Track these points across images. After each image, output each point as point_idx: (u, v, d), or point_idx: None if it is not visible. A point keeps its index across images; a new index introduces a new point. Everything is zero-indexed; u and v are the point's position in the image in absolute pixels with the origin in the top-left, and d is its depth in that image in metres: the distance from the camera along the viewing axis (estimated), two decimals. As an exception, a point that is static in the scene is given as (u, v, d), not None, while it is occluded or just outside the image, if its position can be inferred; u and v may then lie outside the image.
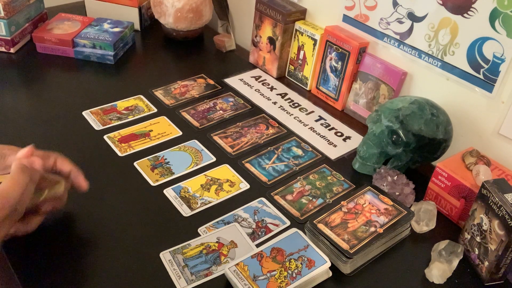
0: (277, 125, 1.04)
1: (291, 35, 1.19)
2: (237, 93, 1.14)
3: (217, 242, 0.73)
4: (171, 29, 1.31)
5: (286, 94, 1.16)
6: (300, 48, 1.18)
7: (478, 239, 0.72)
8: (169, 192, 0.82)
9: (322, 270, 0.67)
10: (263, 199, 0.83)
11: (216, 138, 0.97)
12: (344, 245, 0.70)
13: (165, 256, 0.70)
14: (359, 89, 1.07)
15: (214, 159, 0.91)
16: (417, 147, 0.85)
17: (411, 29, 0.96)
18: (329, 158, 0.95)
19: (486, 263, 0.71)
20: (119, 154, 0.90)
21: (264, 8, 1.19)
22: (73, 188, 0.71)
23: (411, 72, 0.99)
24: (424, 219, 0.79)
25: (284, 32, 1.17)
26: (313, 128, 1.04)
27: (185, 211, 0.79)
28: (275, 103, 1.12)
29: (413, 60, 0.98)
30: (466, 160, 0.82)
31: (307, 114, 1.09)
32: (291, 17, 1.16)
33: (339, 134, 1.03)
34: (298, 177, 0.89)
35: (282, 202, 0.83)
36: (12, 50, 1.19)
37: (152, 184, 0.84)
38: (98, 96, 1.07)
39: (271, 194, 0.84)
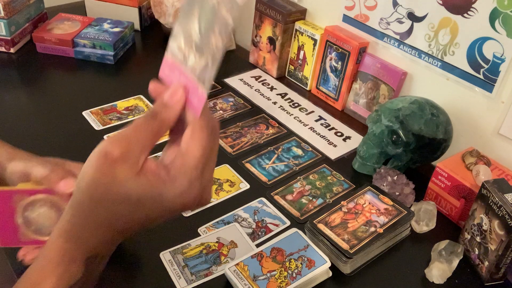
0: (277, 125, 1.04)
1: (291, 35, 1.19)
2: (237, 93, 1.14)
3: (217, 242, 0.73)
4: (171, 29, 1.31)
5: (286, 94, 1.16)
6: (300, 48, 1.18)
7: (478, 239, 0.72)
8: (169, 192, 0.82)
9: (322, 270, 0.67)
10: (263, 199, 0.83)
11: (216, 138, 0.97)
12: (344, 245, 0.70)
13: (165, 256, 0.70)
14: (359, 89, 1.07)
15: (214, 159, 0.91)
16: (417, 147, 0.85)
17: (411, 29, 0.96)
18: (329, 158, 0.95)
19: (486, 263, 0.71)
20: (119, 154, 0.90)
21: (264, 8, 1.19)
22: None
23: (411, 72, 0.99)
24: (424, 219, 0.79)
25: (284, 32, 1.17)
26: (313, 128, 1.04)
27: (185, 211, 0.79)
28: (275, 103, 1.12)
29: (413, 60, 0.98)
30: (466, 160, 0.82)
31: (307, 114, 1.09)
32: (291, 17, 1.16)
33: (339, 134, 1.03)
34: (298, 177, 0.89)
35: (282, 202, 0.83)
36: (12, 50, 1.19)
37: (152, 184, 0.84)
38: (98, 96, 1.07)
39: (271, 194, 0.84)
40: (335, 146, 0.99)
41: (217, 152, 0.43)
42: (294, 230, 0.72)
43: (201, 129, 0.40)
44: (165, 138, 0.45)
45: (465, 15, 0.86)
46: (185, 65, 0.41)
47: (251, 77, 1.22)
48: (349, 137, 1.02)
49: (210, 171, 0.42)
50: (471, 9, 0.85)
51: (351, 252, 0.69)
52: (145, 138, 0.40)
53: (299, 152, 0.96)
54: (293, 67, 1.21)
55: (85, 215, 0.40)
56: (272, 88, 1.18)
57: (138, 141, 0.39)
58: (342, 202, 0.78)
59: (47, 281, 0.40)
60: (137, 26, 1.37)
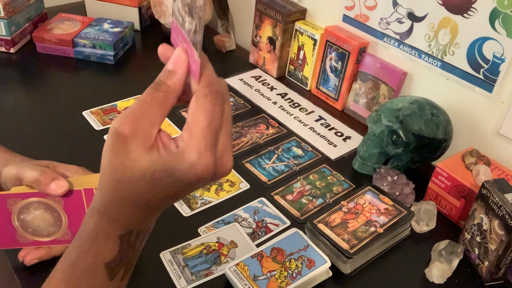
0: (277, 125, 1.04)
1: (291, 35, 1.19)
2: (237, 93, 1.14)
3: (217, 242, 0.73)
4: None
5: (286, 94, 1.16)
6: (300, 48, 1.18)
7: (478, 239, 0.72)
8: (169, 192, 0.82)
9: (322, 270, 0.67)
10: (263, 199, 0.83)
11: (216, 138, 0.97)
12: (344, 245, 0.70)
13: (165, 256, 0.70)
14: (359, 89, 1.07)
15: (214, 159, 0.91)
16: (417, 147, 0.85)
17: (411, 29, 0.96)
18: (329, 158, 0.95)
19: (486, 263, 0.71)
20: (119, 154, 0.90)
21: (264, 8, 1.19)
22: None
23: (411, 72, 0.99)
24: (424, 219, 0.79)
25: (284, 32, 1.17)
26: (313, 128, 1.04)
27: (185, 211, 0.79)
28: (275, 103, 1.12)
29: (413, 60, 0.98)
30: (466, 160, 0.82)
31: (307, 114, 1.09)
32: (291, 17, 1.16)
33: (339, 134, 1.03)
34: (298, 177, 0.89)
35: (282, 202, 0.83)
36: (12, 50, 1.19)
37: (152, 184, 0.84)
38: (98, 96, 1.07)
39: (271, 194, 0.84)
40: (335, 146, 0.99)
41: (231, 117, 0.41)
42: (294, 230, 0.72)
43: (204, 97, 0.39)
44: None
45: (465, 15, 0.86)
46: (184, 28, 0.40)
47: (251, 77, 1.22)
48: (349, 137, 1.02)
49: (224, 138, 0.40)
50: (471, 9, 0.85)
51: (351, 252, 0.69)
52: (152, 110, 0.39)
53: (299, 152, 0.96)
54: (293, 67, 1.21)
55: (110, 194, 0.40)
56: (272, 88, 1.18)
57: (145, 115, 0.39)
58: (342, 202, 0.78)
59: (84, 258, 0.41)
60: (137, 26, 1.37)
